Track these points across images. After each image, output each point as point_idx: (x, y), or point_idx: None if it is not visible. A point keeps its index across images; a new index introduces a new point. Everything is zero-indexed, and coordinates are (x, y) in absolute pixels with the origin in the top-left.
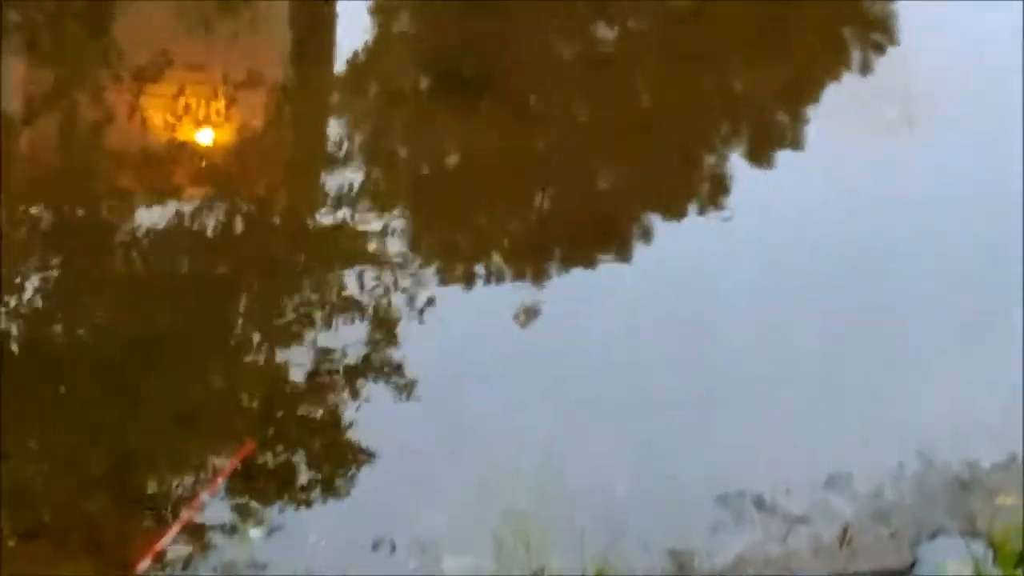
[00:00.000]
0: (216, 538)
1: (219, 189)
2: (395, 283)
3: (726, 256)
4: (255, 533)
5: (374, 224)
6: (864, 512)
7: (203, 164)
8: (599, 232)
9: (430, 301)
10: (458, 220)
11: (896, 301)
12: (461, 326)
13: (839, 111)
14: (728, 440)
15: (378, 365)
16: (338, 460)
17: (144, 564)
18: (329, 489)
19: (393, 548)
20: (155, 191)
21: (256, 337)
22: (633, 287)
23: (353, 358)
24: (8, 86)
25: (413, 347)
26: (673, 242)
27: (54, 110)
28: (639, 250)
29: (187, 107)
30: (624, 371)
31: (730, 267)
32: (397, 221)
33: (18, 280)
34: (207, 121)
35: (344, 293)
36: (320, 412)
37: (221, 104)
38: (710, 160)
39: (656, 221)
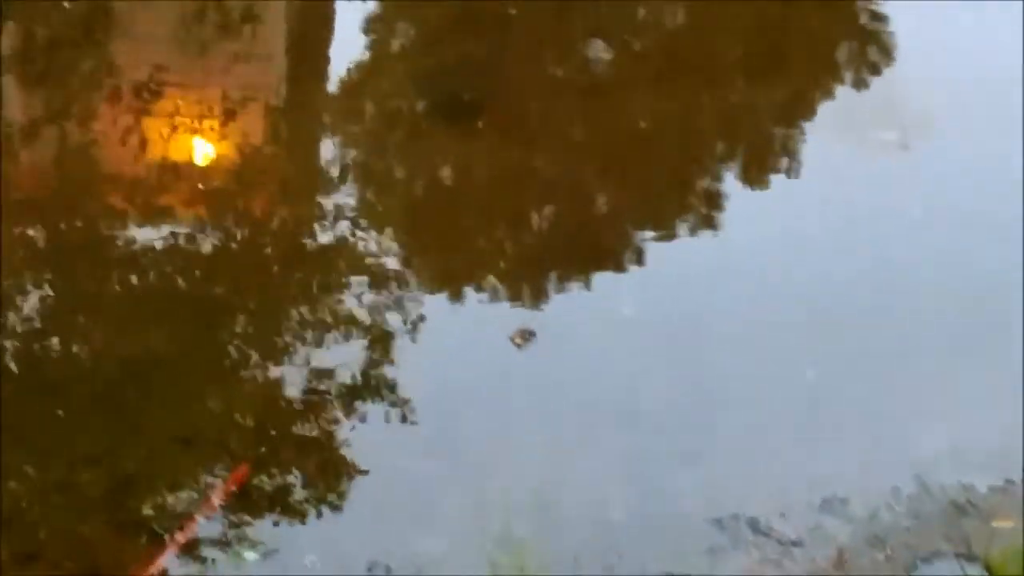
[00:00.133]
0: (212, 560)
1: (215, 209)
2: (390, 303)
3: (722, 277)
4: (250, 556)
5: (370, 244)
6: (859, 535)
7: (199, 184)
8: (595, 252)
9: (425, 321)
10: (454, 240)
11: (892, 323)
12: (456, 346)
13: (835, 129)
14: (723, 463)
15: (373, 385)
16: (333, 479)
17: None
18: (324, 509)
19: (388, 572)
20: (151, 211)
21: (252, 357)
22: (629, 309)
23: (348, 377)
24: (5, 106)
25: (408, 368)
26: (669, 263)
27: (51, 130)
28: (635, 271)
29: (183, 127)
30: (620, 394)
31: (726, 288)
32: (393, 241)
33: (15, 300)
34: (203, 141)
35: (340, 312)
36: (315, 431)
37: (217, 124)
38: (705, 180)
39: (652, 242)
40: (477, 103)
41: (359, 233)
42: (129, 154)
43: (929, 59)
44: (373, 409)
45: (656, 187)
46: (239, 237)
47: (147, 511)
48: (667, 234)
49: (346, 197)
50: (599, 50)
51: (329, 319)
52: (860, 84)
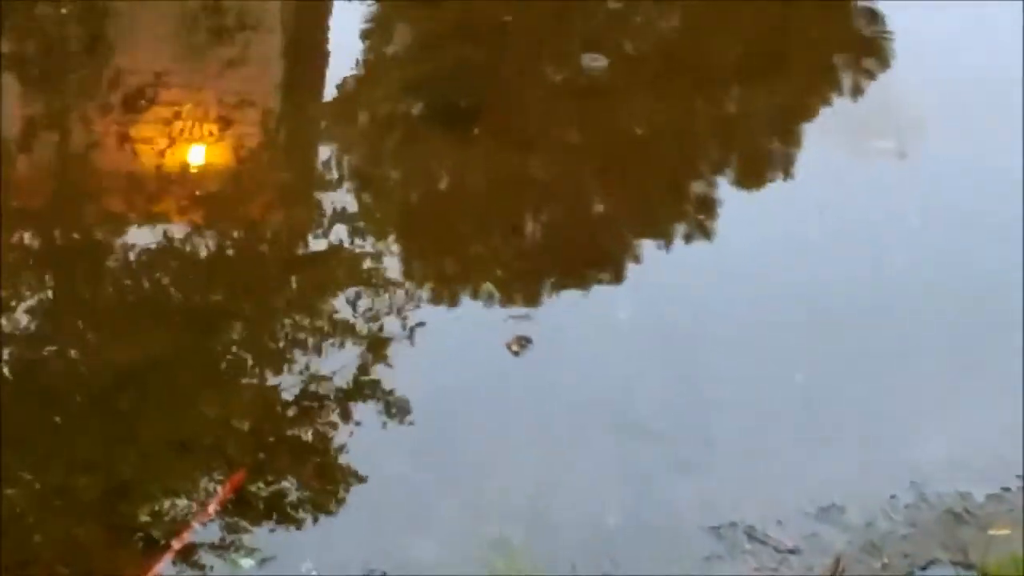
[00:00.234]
0: (209, 567)
1: (211, 214)
2: (387, 308)
3: (718, 283)
4: (247, 563)
5: (366, 249)
6: (856, 543)
7: (195, 190)
8: (591, 257)
9: (421, 326)
10: (450, 246)
11: (889, 329)
12: (452, 352)
13: (831, 135)
14: (720, 471)
15: (369, 390)
16: (329, 485)
17: None
18: (320, 515)
19: None
20: (148, 216)
21: (249, 362)
22: (624, 313)
23: (344, 382)
24: (3, 112)
25: (404, 373)
26: (665, 268)
27: (48, 136)
28: (631, 277)
29: (180, 133)
30: (615, 399)
31: (722, 294)
32: (389, 247)
33: (12, 306)
34: (199, 147)
35: (336, 317)
36: (311, 437)
37: (214, 130)
38: (701, 185)
39: (647, 248)
40: (473, 109)
41: (355, 238)
42: (126, 160)
43: (925, 64)
44: (369, 414)
45: (652, 192)
46: (235, 242)
47: (143, 517)
48: (663, 239)
49: (342, 202)
50: (595, 56)
51: (325, 324)
52: (857, 90)
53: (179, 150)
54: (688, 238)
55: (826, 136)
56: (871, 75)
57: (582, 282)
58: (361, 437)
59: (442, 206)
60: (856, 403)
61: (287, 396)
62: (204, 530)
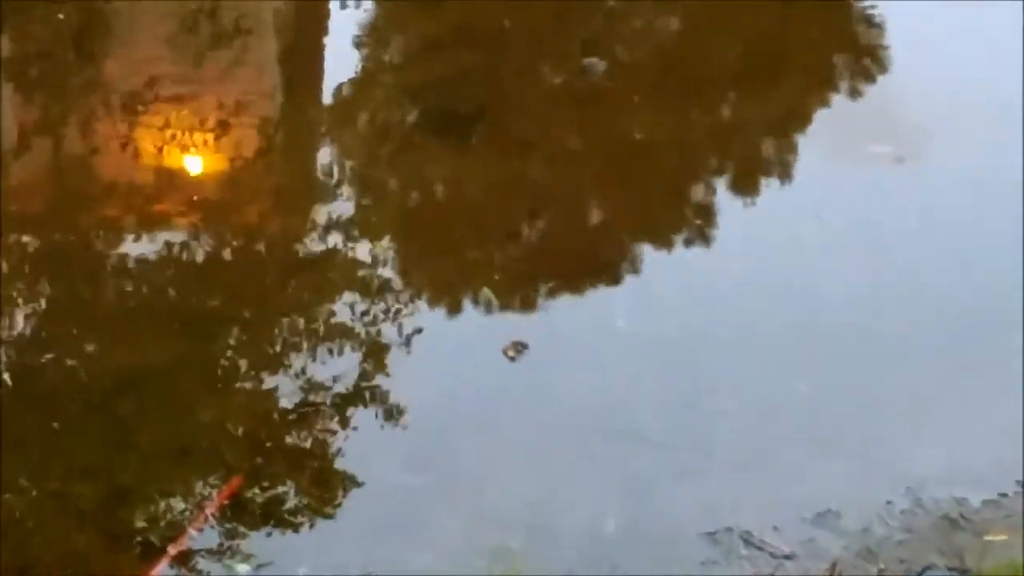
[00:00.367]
0: (205, 572)
1: (209, 219)
2: (384, 313)
3: (716, 290)
4: (243, 568)
5: (364, 254)
6: (852, 549)
7: (193, 194)
8: (589, 264)
9: (419, 332)
10: (448, 251)
11: (887, 336)
12: (450, 358)
13: (830, 141)
14: (717, 477)
15: (367, 396)
16: (327, 491)
17: None
18: (317, 520)
19: None
20: (145, 221)
21: (246, 367)
22: (622, 321)
23: (342, 388)
24: (2, 117)
25: (402, 379)
26: (663, 275)
27: (45, 141)
28: (629, 283)
29: (177, 137)
30: (613, 407)
31: (721, 301)
32: (387, 251)
33: (9, 311)
34: (197, 151)
35: (333, 323)
36: (309, 442)
37: (211, 135)
38: (700, 191)
39: (646, 253)
40: (472, 114)
41: (353, 243)
42: (123, 165)
43: (924, 67)
44: (367, 420)
45: (651, 199)
46: (233, 247)
47: (141, 522)
48: (662, 246)
49: (340, 208)
50: (594, 62)
51: (323, 330)
52: (855, 94)
53: (177, 154)
54: (687, 243)
55: (824, 140)
56: (870, 79)
57: (580, 288)
58: (358, 443)
59: (440, 211)
60: (853, 409)
61: (284, 402)
62: (201, 535)
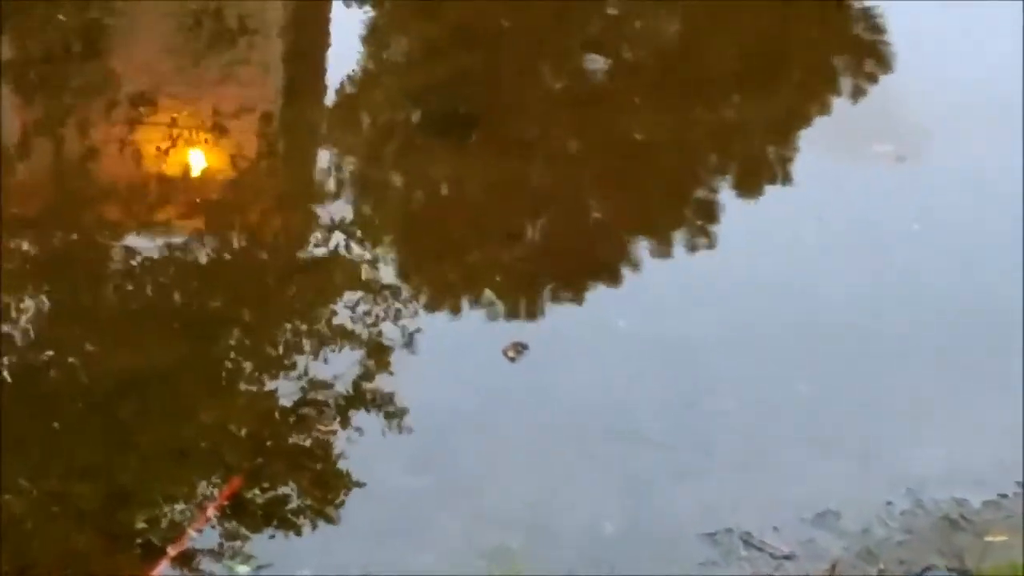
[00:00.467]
0: (206, 573)
1: (211, 221)
2: (385, 314)
3: (717, 290)
4: (243, 569)
5: (365, 256)
6: (852, 550)
7: (195, 196)
8: (590, 265)
9: (420, 333)
10: (449, 252)
11: (887, 336)
12: (451, 359)
13: (831, 141)
14: (717, 477)
15: (369, 397)
16: (328, 492)
17: None
18: (319, 522)
19: None
20: (147, 223)
21: (248, 369)
22: (623, 321)
23: (343, 389)
24: (3, 119)
25: (403, 379)
26: (664, 276)
27: (47, 143)
28: (629, 284)
29: (179, 139)
30: (613, 407)
31: (721, 302)
32: (388, 253)
33: (11, 312)
34: (199, 153)
35: (335, 324)
36: (310, 443)
37: (213, 136)
38: (701, 192)
39: (648, 256)
40: (472, 115)
41: (355, 245)
42: (125, 166)
43: (926, 69)
44: (368, 421)
45: (652, 199)
46: (235, 249)
47: (141, 523)
48: (663, 247)
49: (341, 209)
50: (594, 62)
51: (325, 331)
52: (856, 94)
53: (178, 156)
54: (687, 244)
55: (825, 140)
56: (871, 79)
57: (581, 289)
58: (360, 444)
59: (441, 213)
60: (853, 409)
61: (286, 403)
62: (202, 537)
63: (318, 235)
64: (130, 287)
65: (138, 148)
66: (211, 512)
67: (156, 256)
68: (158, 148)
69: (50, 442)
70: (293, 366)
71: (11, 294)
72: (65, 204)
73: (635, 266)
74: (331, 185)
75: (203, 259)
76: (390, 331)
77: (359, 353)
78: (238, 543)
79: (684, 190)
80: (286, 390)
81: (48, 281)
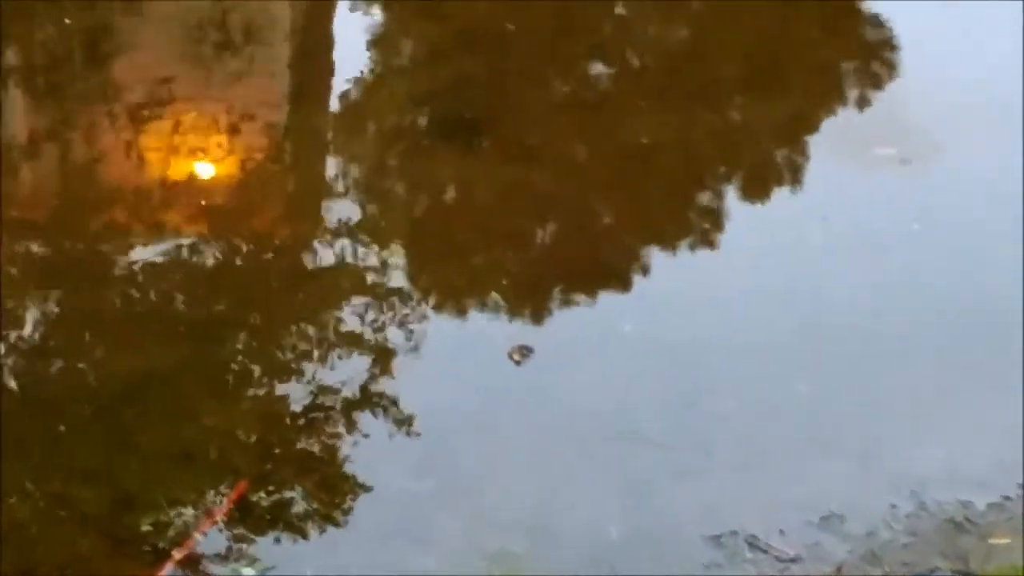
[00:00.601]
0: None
1: (217, 225)
2: (392, 319)
3: (721, 294)
4: (248, 572)
5: (371, 260)
6: (857, 553)
7: (201, 201)
8: (595, 269)
9: (426, 337)
10: (455, 257)
11: (890, 339)
12: (457, 363)
13: (835, 145)
14: (721, 480)
15: (375, 401)
16: (334, 496)
17: None
18: (323, 525)
19: None
20: (153, 227)
21: (254, 373)
22: (627, 325)
23: (350, 393)
24: (6, 123)
25: (409, 383)
26: (669, 280)
27: (52, 147)
28: (634, 289)
29: (185, 144)
30: (617, 410)
31: (725, 305)
32: (395, 258)
33: (16, 317)
34: (205, 157)
35: (341, 328)
36: (317, 448)
37: (219, 140)
38: (706, 196)
39: (652, 259)
40: (478, 120)
41: (361, 249)
42: (131, 171)
43: (927, 71)
44: (374, 426)
45: (656, 204)
46: (241, 254)
47: (146, 527)
48: (667, 251)
49: (348, 213)
50: (599, 67)
51: (331, 336)
52: (860, 97)
53: (184, 161)
54: (692, 247)
55: (829, 144)
56: (875, 82)
57: (586, 293)
58: (365, 448)
59: (447, 217)
60: (857, 412)
61: (292, 407)
62: (207, 540)
63: (324, 240)
64: (135, 291)
65: (143, 153)
66: (217, 516)
67: (162, 261)
68: (164, 153)
69: (54, 445)
70: (299, 371)
71: (16, 298)
72: (70, 208)
73: (640, 270)
74: (337, 190)
75: (209, 264)
76: (396, 335)
77: (366, 357)
78: (243, 546)
79: (688, 193)
80: (292, 395)
81: (53, 285)
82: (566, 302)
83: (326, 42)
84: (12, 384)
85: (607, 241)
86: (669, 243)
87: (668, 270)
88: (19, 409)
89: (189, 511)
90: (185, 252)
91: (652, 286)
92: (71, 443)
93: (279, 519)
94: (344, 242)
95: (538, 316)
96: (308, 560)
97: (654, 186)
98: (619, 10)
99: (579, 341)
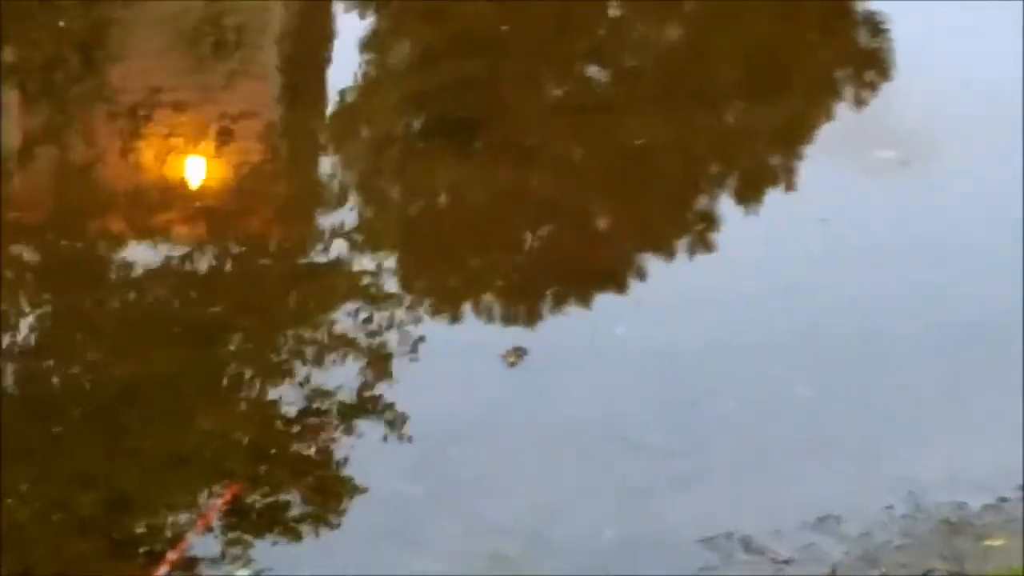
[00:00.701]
0: None
1: (212, 228)
2: (387, 322)
3: (717, 297)
4: (243, 573)
5: (366, 263)
6: (853, 554)
7: (196, 203)
8: (590, 272)
9: (421, 340)
10: (450, 259)
11: (887, 341)
12: (452, 366)
13: (833, 148)
14: (716, 482)
15: (370, 404)
16: (328, 497)
17: None
18: (319, 528)
19: None
20: (148, 230)
21: (249, 376)
22: (622, 328)
23: (345, 396)
24: (4, 126)
25: (404, 386)
26: (664, 283)
27: (48, 150)
28: (631, 291)
29: (179, 147)
30: (612, 413)
31: (721, 306)
32: (389, 260)
33: (12, 320)
34: (200, 161)
35: (336, 331)
36: (312, 451)
37: (213, 144)
38: (702, 200)
39: (648, 263)
40: (473, 122)
41: (356, 252)
42: (126, 174)
43: (926, 73)
44: (370, 429)
45: (654, 206)
46: (236, 256)
47: (142, 530)
48: (663, 254)
49: (343, 216)
50: (596, 69)
51: (326, 339)
52: (859, 100)
53: (179, 163)
54: (688, 252)
55: (828, 146)
56: (873, 85)
57: (582, 295)
58: (360, 450)
59: (442, 220)
60: (854, 413)
61: (287, 410)
62: (203, 543)
63: (320, 242)
64: (131, 294)
65: (139, 155)
66: (212, 518)
67: (157, 263)
68: (159, 155)
69: (51, 448)
70: (294, 373)
71: (12, 302)
72: (66, 211)
73: (636, 273)
74: (332, 192)
75: (204, 267)
76: (391, 338)
77: (361, 360)
78: (238, 548)
79: (686, 196)
80: (288, 397)
81: (50, 287)
82: (562, 305)
83: (321, 44)
84: (9, 386)
85: (603, 243)
86: (667, 246)
87: (666, 273)
88: (15, 411)
89: (186, 514)
90: (181, 255)
91: (650, 289)
92: (67, 445)
93: (274, 521)
94: (339, 245)
95: (533, 319)
96: (303, 562)
97: (651, 189)
98: (616, 12)
99: (574, 344)
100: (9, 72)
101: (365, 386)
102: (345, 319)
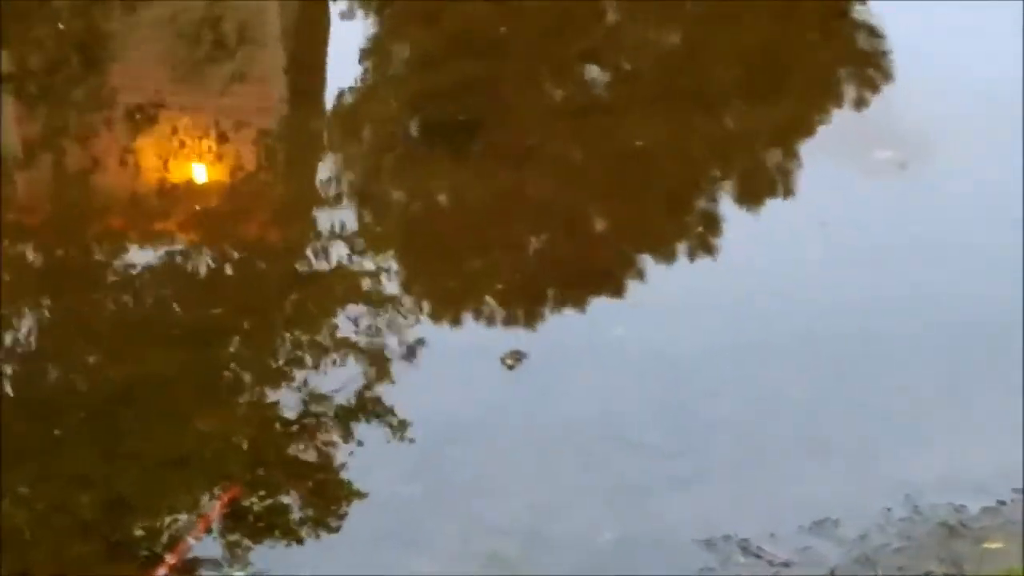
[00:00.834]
0: None
1: (211, 231)
2: (386, 325)
3: (715, 301)
4: (242, 575)
5: (366, 266)
6: (850, 557)
7: (196, 206)
8: (589, 274)
9: (421, 343)
10: (449, 262)
11: (885, 344)
12: (451, 369)
13: (832, 150)
14: (714, 485)
15: (369, 408)
16: (326, 500)
17: None
18: (318, 530)
19: None
20: (147, 233)
21: (248, 379)
22: (621, 330)
23: (344, 399)
24: (3, 129)
25: (404, 389)
26: (663, 285)
27: (47, 153)
28: (630, 294)
29: (179, 150)
30: (610, 415)
31: (720, 308)
32: (389, 263)
33: (11, 322)
34: (200, 163)
35: (336, 334)
36: (311, 454)
37: (213, 146)
38: (701, 202)
39: (647, 265)
40: (472, 125)
41: (355, 255)
42: (125, 176)
43: (925, 73)
44: (369, 432)
45: (653, 209)
46: (235, 259)
47: (141, 532)
48: (662, 255)
49: (342, 219)
50: (595, 71)
51: (325, 341)
52: (857, 102)
53: (179, 166)
54: (687, 254)
55: (827, 147)
56: (872, 87)
57: (580, 298)
58: (359, 453)
59: (441, 222)
60: (852, 415)
61: (286, 413)
62: (202, 545)
63: (319, 245)
64: (130, 297)
65: (138, 158)
66: (211, 520)
67: (156, 266)
68: (158, 158)
69: (49, 450)
70: (293, 376)
71: (11, 304)
72: (65, 214)
73: (635, 276)
74: (332, 195)
75: (203, 270)
76: (390, 341)
77: (360, 363)
78: (237, 550)
79: (685, 198)
80: (287, 400)
81: (49, 291)
82: (560, 307)
83: (320, 47)
84: (7, 389)
85: (603, 245)
86: (666, 247)
87: (665, 274)
88: (15, 413)
89: (184, 516)
90: (180, 257)
91: (648, 291)
92: (66, 447)
93: (273, 524)
94: (338, 248)
95: (532, 321)
96: (301, 564)
97: (650, 191)
98: (614, 14)
99: (573, 345)
100: (8, 76)
101: (364, 389)
102: (344, 322)
